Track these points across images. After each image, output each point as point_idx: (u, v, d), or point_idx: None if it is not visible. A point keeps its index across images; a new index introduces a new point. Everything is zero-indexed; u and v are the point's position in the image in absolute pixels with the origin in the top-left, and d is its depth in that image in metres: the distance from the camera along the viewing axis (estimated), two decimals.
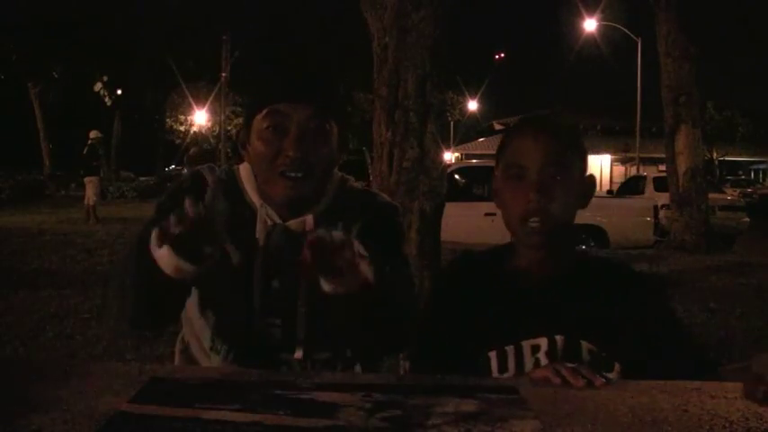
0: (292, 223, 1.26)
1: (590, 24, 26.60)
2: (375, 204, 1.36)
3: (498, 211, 1.26)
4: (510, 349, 1.17)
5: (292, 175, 1.21)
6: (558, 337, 1.16)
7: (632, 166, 31.90)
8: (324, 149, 1.25)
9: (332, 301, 1.02)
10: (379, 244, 1.21)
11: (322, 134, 1.24)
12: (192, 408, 0.84)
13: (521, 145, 1.19)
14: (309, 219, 1.26)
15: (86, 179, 13.00)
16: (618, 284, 1.21)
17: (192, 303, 1.32)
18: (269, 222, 1.27)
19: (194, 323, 1.33)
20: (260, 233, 1.26)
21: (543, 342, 1.16)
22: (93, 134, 13.29)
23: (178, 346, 1.40)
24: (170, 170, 36.56)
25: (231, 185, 1.32)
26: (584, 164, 1.22)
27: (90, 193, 12.84)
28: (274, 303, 1.27)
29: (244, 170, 1.34)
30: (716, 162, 35.12)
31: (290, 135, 1.21)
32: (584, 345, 1.15)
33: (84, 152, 13.16)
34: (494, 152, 1.30)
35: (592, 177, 1.26)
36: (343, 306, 1.05)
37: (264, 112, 1.23)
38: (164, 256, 1.02)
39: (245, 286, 1.26)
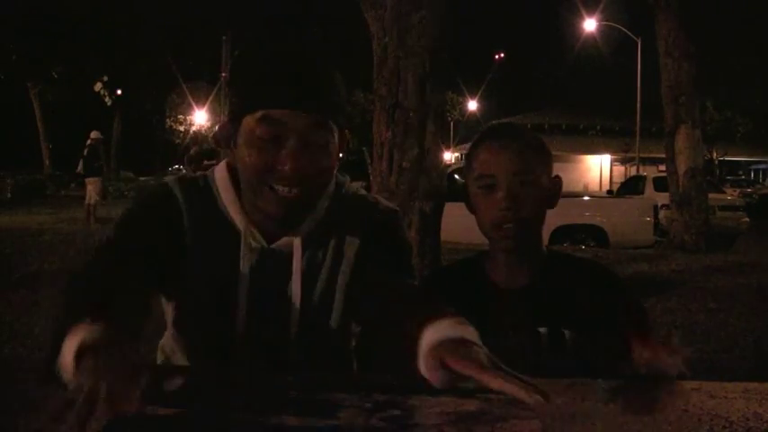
0: (279, 245, 1.15)
1: (590, 24, 26.65)
2: (376, 213, 1.23)
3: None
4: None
5: (286, 191, 1.06)
6: (542, 330, 1.24)
7: (632, 166, 31.89)
8: (324, 162, 1.09)
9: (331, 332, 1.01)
10: (385, 257, 1.17)
11: (323, 146, 1.09)
12: (192, 408, 0.84)
13: (488, 156, 1.27)
14: (297, 242, 1.15)
15: (87, 180, 12.96)
16: (589, 278, 1.30)
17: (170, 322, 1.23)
18: (254, 245, 1.15)
19: (174, 345, 1.24)
20: (244, 258, 1.14)
21: (528, 337, 1.25)
22: (93, 134, 13.25)
23: (159, 357, 1.30)
24: (173, 170, 36.49)
25: (208, 198, 1.17)
26: (549, 167, 1.31)
27: (92, 193, 12.81)
28: (260, 333, 1.16)
29: (220, 178, 1.18)
30: (716, 162, 35.09)
31: (288, 147, 1.05)
32: (567, 333, 1.24)
33: (85, 153, 13.14)
34: None
35: (558, 178, 1.33)
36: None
37: (259, 115, 1.06)
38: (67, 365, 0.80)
39: (229, 315, 1.15)
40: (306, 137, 1.06)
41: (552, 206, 1.31)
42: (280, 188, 1.07)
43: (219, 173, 1.19)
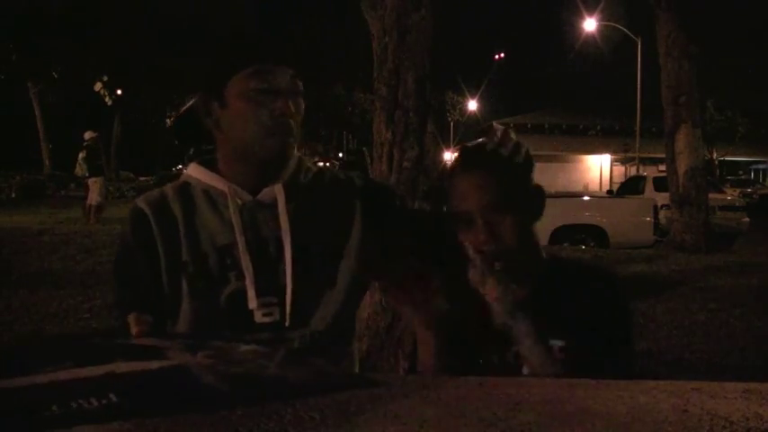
0: (263, 195, 1.26)
1: (590, 24, 26.64)
2: (373, 189, 1.39)
3: None
4: (494, 359, 1.23)
5: (289, 139, 1.24)
6: None
7: (632, 166, 31.89)
8: (302, 109, 1.26)
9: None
10: (389, 232, 1.33)
11: (301, 95, 1.26)
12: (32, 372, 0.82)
13: (461, 190, 1.21)
14: (279, 188, 1.26)
15: (90, 180, 12.89)
16: (587, 283, 1.27)
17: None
18: (239, 202, 1.25)
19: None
20: (234, 214, 1.23)
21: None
22: (88, 135, 13.15)
23: None
24: (176, 170, 36.36)
25: (185, 194, 1.28)
26: (528, 180, 1.23)
27: (94, 194, 12.76)
28: (267, 286, 1.23)
29: (193, 168, 1.31)
30: (716, 162, 35.08)
31: (282, 96, 1.21)
32: (555, 343, 1.20)
33: (84, 154, 13.07)
34: None
35: (538, 188, 1.26)
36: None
37: (250, 71, 1.21)
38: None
39: (233, 271, 1.22)
40: (291, 85, 1.23)
41: (537, 219, 1.25)
42: (284, 135, 1.23)
43: (194, 169, 1.31)
